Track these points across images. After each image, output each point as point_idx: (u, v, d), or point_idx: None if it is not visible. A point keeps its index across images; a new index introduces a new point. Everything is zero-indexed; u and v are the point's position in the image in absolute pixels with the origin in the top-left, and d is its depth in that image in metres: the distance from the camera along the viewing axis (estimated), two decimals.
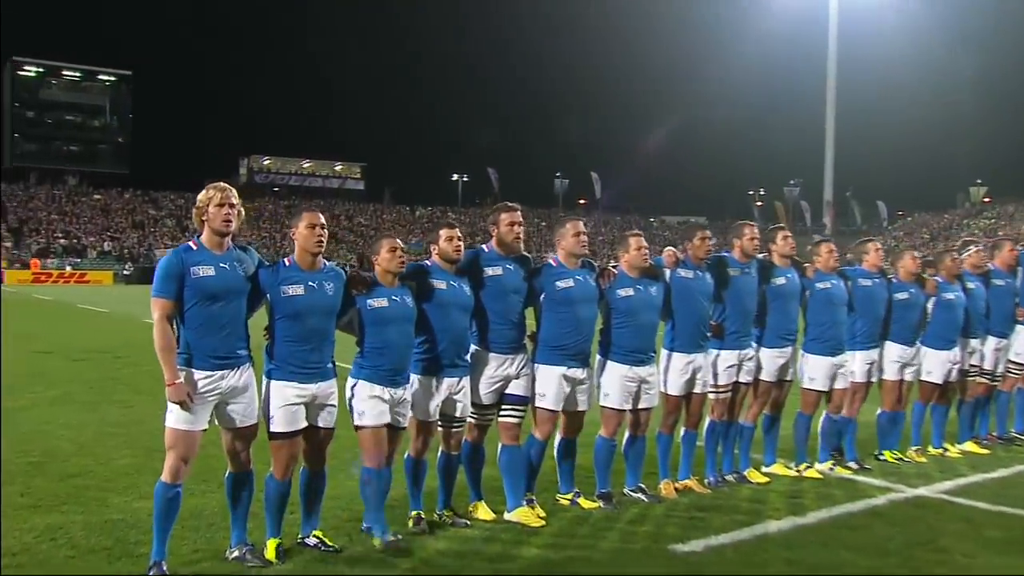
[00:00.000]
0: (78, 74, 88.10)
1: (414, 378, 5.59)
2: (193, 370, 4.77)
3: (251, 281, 4.95)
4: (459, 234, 5.79)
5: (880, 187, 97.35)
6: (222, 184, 4.93)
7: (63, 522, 5.62)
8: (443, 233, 5.74)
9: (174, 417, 4.74)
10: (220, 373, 4.79)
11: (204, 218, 4.86)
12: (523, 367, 6.00)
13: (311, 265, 5.10)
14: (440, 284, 5.64)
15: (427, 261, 5.82)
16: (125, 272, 56.99)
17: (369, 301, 5.28)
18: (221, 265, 4.82)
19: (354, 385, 5.34)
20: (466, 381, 5.75)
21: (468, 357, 5.80)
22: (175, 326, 4.81)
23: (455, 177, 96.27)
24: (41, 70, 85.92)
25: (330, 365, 5.15)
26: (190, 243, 4.91)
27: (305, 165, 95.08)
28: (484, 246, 6.11)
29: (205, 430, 4.83)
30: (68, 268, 55.73)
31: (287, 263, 5.13)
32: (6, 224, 62.07)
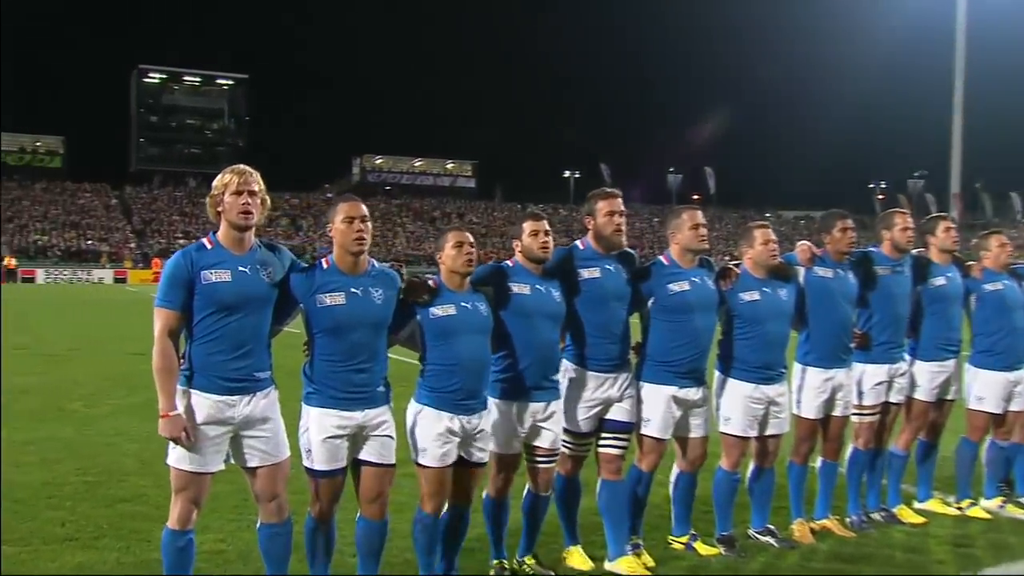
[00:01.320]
0: (198, 79, 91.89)
1: (492, 403, 4.74)
2: (195, 392, 3.97)
3: (279, 288, 4.16)
4: (547, 228, 4.87)
5: (1015, 178, 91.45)
6: (241, 167, 4.11)
7: (95, 560, 5.02)
8: (527, 226, 4.84)
9: (178, 456, 3.96)
10: (232, 399, 3.99)
11: (219, 209, 4.05)
12: (626, 387, 5.09)
13: (353, 267, 4.27)
14: (523, 288, 4.75)
15: (508, 261, 4.94)
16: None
17: (432, 309, 4.45)
18: (240, 268, 4.02)
19: (417, 413, 4.50)
20: (557, 406, 4.86)
21: (559, 377, 4.93)
22: (185, 341, 4.07)
23: (567, 174, 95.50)
24: (164, 76, 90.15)
25: (382, 388, 4.31)
26: (204, 240, 4.11)
27: (417, 164, 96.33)
28: (579, 242, 5.19)
29: (220, 470, 4.08)
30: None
31: (325, 265, 4.29)
32: (131, 225, 64.60)
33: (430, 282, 4.56)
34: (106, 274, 57.32)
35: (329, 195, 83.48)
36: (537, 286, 4.79)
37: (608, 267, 5.03)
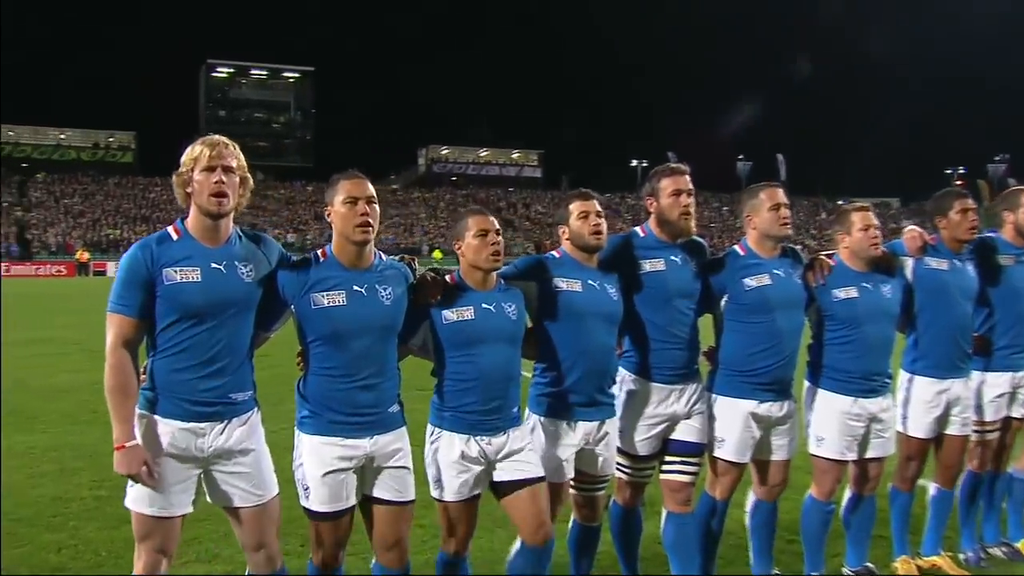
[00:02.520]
0: (265, 73, 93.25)
1: (534, 420, 4.00)
2: (158, 418, 3.30)
3: (263, 287, 3.47)
4: (598, 208, 4.09)
5: None
6: (215, 137, 3.42)
7: None
8: (575, 207, 4.07)
9: (137, 496, 3.30)
10: (202, 427, 3.32)
11: (188, 190, 3.35)
12: (695, 402, 4.31)
13: (357, 260, 3.56)
14: (571, 284, 4.00)
15: (553, 252, 4.18)
16: None
17: (446, 312, 3.73)
18: (213, 265, 3.33)
19: (435, 439, 3.79)
20: (612, 424, 4.12)
21: (615, 390, 4.19)
22: (147, 354, 3.38)
23: (634, 163, 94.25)
24: (232, 70, 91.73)
25: (394, 408, 3.62)
26: (169, 229, 3.40)
27: (482, 154, 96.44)
28: (639, 229, 4.41)
29: (189, 513, 3.39)
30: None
31: (321, 257, 3.59)
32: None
33: (447, 278, 3.83)
34: None
35: (395, 187, 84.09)
36: (589, 281, 4.04)
37: (673, 258, 4.26)
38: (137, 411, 3.27)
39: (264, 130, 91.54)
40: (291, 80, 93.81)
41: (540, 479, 3.77)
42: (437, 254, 59.81)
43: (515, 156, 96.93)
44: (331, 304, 3.46)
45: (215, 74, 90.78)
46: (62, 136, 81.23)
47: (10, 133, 79.29)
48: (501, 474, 3.75)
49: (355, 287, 3.50)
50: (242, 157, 3.41)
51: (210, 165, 3.30)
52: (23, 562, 4.89)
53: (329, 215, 3.54)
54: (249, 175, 3.44)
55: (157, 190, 72.03)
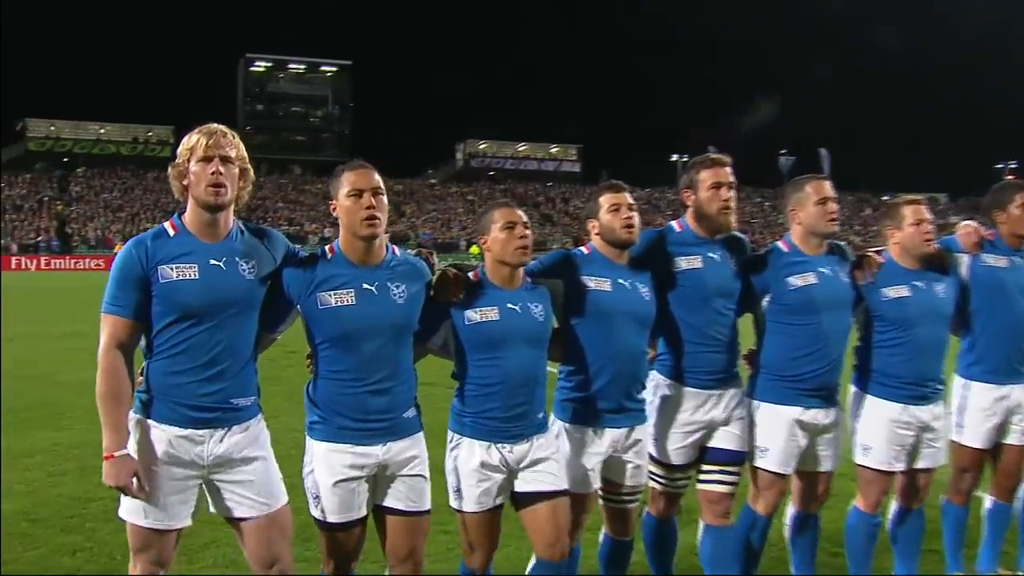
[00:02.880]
0: (302, 66, 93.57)
1: (559, 427, 3.83)
2: (152, 423, 3.18)
3: (267, 285, 3.33)
4: (630, 201, 3.89)
5: None
6: (213, 126, 3.27)
7: None
8: (605, 200, 3.89)
9: (131, 507, 3.18)
10: (200, 434, 3.19)
11: (185, 182, 3.22)
12: (735, 408, 4.11)
13: (366, 256, 3.40)
14: (601, 283, 3.82)
15: (582, 248, 4.00)
16: None
17: (469, 312, 3.56)
18: (212, 262, 3.20)
19: (455, 447, 3.63)
20: (643, 431, 3.94)
21: (647, 395, 4.00)
22: (143, 357, 3.25)
23: (674, 158, 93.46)
24: (269, 65, 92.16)
25: (410, 413, 3.47)
26: (166, 225, 3.28)
27: (520, 148, 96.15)
28: (674, 223, 4.20)
29: (187, 526, 3.26)
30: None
31: (329, 254, 3.44)
32: (239, 213, 66.02)
33: (470, 274, 3.66)
34: None
35: (432, 181, 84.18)
36: (620, 279, 3.85)
37: (712, 255, 4.06)
38: (132, 415, 3.15)
39: (302, 124, 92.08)
40: (329, 74, 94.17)
41: (561, 493, 3.60)
42: (475, 249, 59.69)
43: (554, 150, 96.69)
44: (339, 304, 3.31)
45: (253, 68, 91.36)
46: (102, 131, 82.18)
47: (51, 128, 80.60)
48: (521, 484, 3.60)
49: (365, 285, 3.34)
50: (242, 147, 3.28)
51: (207, 155, 3.17)
52: (38, 564, 4.82)
53: (334, 209, 3.40)
54: (250, 166, 3.31)
55: None
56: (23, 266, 52.48)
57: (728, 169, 4.07)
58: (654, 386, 4.06)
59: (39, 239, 57.95)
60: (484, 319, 3.54)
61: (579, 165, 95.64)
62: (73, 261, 53.91)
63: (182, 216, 3.25)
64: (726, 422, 4.07)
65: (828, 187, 4.12)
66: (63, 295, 27.67)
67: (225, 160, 3.18)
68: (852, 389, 4.34)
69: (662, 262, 4.02)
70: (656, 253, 4.03)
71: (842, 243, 4.33)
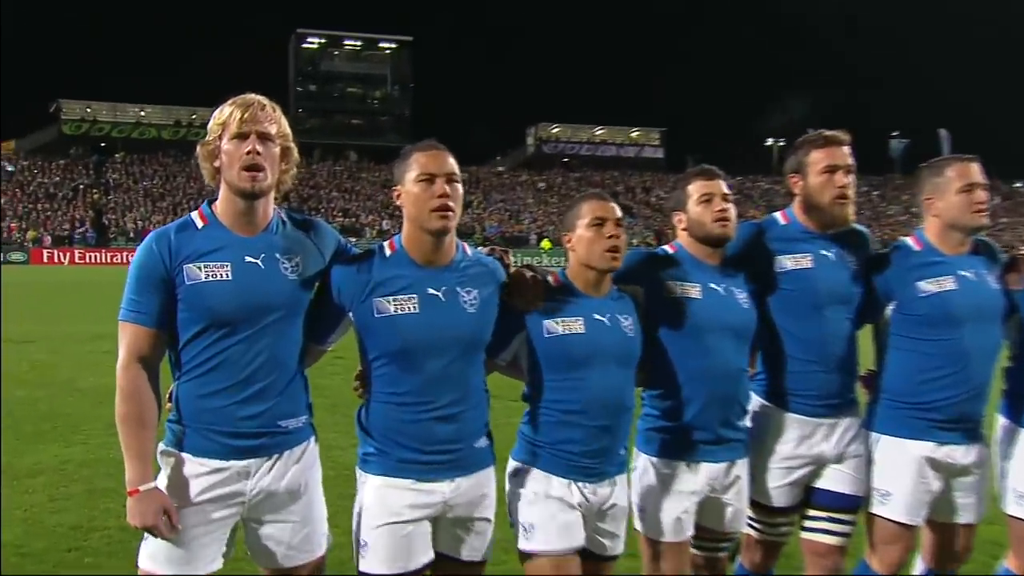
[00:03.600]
0: (359, 43, 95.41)
1: (644, 462, 3.59)
2: (188, 457, 3.02)
3: (314, 287, 3.19)
4: (724, 189, 3.61)
5: None
6: (249, 96, 3.05)
7: None
8: (695, 188, 3.62)
9: (154, 551, 3.00)
10: (244, 464, 3.03)
11: (216, 164, 3.03)
12: (850, 442, 3.78)
13: (433, 254, 3.20)
14: (688, 288, 3.57)
15: (666, 247, 3.74)
16: None
17: (548, 322, 3.34)
18: (248, 259, 3.02)
19: (523, 474, 3.40)
20: (743, 467, 3.65)
21: (747, 422, 3.70)
22: (172, 375, 3.10)
23: (769, 142, 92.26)
24: (323, 41, 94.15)
25: (482, 443, 3.27)
26: (194, 215, 3.11)
27: (598, 132, 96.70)
28: (778, 214, 3.90)
29: (218, 569, 3.08)
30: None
31: (388, 251, 3.23)
32: (288, 202, 67.15)
33: (549, 277, 3.44)
34: None
35: (500, 168, 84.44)
36: (712, 284, 3.59)
37: (825, 252, 3.75)
38: (162, 448, 3.01)
39: (358, 106, 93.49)
40: (387, 51, 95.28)
41: (613, 559, 3.48)
42: (546, 244, 59.77)
43: (634, 135, 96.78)
44: (399, 312, 3.10)
45: (305, 45, 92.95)
46: (142, 113, 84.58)
47: (87, 110, 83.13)
48: (590, 539, 3.38)
49: (430, 290, 3.14)
50: (284, 122, 3.09)
51: (241, 131, 2.96)
52: None
53: (398, 197, 3.18)
54: (294, 145, 3.13)
55: None
56: (56, 259, 54.02)
57: (846, 149, 3.74)
58: (750, 410, 3.78)
59: (74, 230, 59.49)
60: (568, 331, 3.32)
61: (662, 151, 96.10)
62: (110, 255, 55.35)
63: (213, 204, 3.07)
64: (838, 459, 3.76)
65: (976, 171, 3.75)
66: (96, 291, 28.12)
67: (263, 137, 2.98)
68: (1001, 420, 3.95)
69: (763, 262, 3.74)
70: (755, 251, 3.75)
71: (989, 240, 3.92)
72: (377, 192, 73.40)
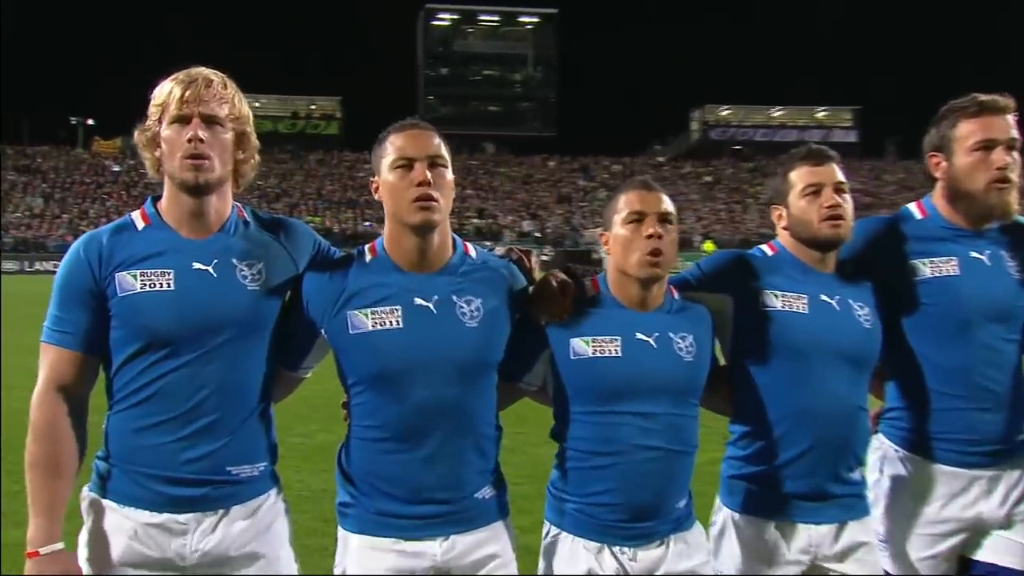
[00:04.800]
0: (496, 18, 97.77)
1: (725, 517, 3.37)
2: (109, 505, 2.89)
3: (281, 299, 3.08)
4: (839, 177, 3.37)
5: None
6: (195, 70, 2.97)
7: None
8: (798, 176, 3.37)
9: None
10: (181, 520, 2.88)
11: (157, 153, 2.96)
12: (1019, 499, 3.49)
13: (419, 257, 3.07)
14: (790, 300, 3.34)
15: (763, 247, 3.52)
16: (544, 257, 59.62)
17: (576, 342, 3.17)
18: (196, 265, 2.93)
19: (551, 541, 3.21)
20: (864, 530, 3.37)
21: (869, 473, 3.48)
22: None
23: None
24: (456, 17, 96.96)
25: (485, 493, 3.10)
26: (134, 215, 3.04)
27: (775, 114, 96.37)
28: (913, 206, 3.65)
29: None
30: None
31: (369, 254, 3.13)
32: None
33: (586, 282, 3.28)
34: None
35: (660, 159, 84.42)
36: (822, 295, 3.34)
37: (976, 255, 3.48)
38: (84, 492, 2.90)
39: (495, 91, 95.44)
40: (529, 27, 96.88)
41: None
42: (708, 246, 59.08)
43: (820, 115, 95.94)
44: (379, 327, 2.97)
45: (436, 22, 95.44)
46: (256, 104, 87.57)
47: None
48: None
49: (418, 300, 2.99)
50: (240, 101, 2.99)
51: (181, 113, 2.87)
52: None
53: (376, 190, 3.06)
54: (248, 128, 3.00)
55: (367, 168, 76.32)
56: None
57: (1008, 118, 3.44)
58: (880, 458, 3.56)
59: None
60: (598, 353, 3.12)
61: (855, 133, 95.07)
62: None
63: (157, 202, 2.99)
64: (1005, 523, 3.48)
65: None
66: None
67: (209, 121, 2.88)
68: None
69: (893, 268, 3.48)
70: (884, 254, 3.51)
71: None
72: (517, 189, 74.54)
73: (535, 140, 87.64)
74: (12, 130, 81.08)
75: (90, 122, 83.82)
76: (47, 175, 71.36)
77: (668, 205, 3.20)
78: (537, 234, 64.50)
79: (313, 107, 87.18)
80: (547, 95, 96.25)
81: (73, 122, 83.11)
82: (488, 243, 59.73)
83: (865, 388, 3.40)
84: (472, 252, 3.14)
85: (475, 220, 67.46)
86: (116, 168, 71.68)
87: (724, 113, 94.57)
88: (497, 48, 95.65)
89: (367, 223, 66.33)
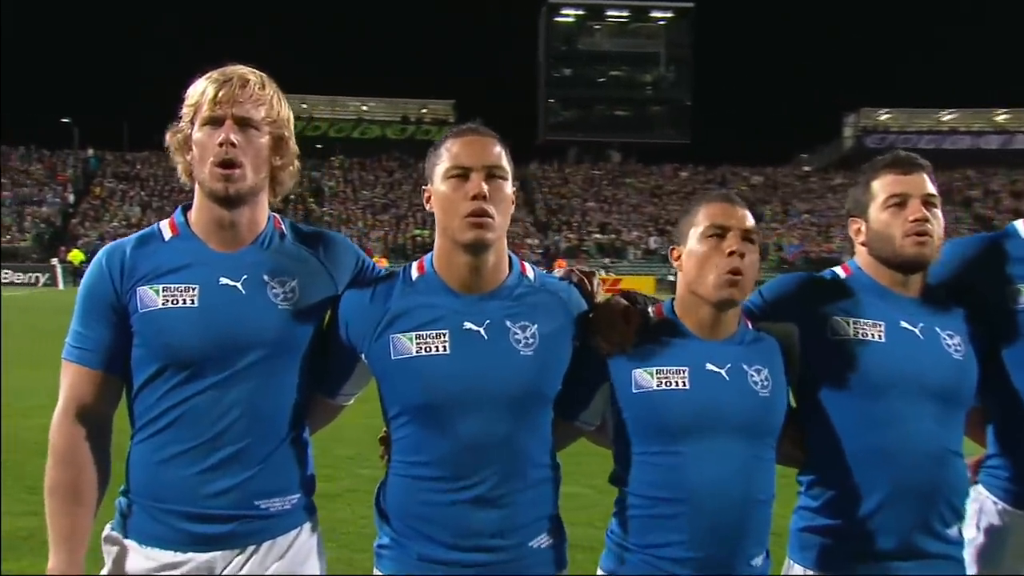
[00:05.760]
0: (625, 13, 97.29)
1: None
2: (133, 546, 2.93)
3: (318, 320, 3.10)
4: (929, 188, 3.27)
5: None
6: (230, 69, 2.98)
7: None
8: (881, 185, 3.30)
9: None
10: (204, 559, 2.92)
11: (189, 157, 2.98)
12: None
13: (471, 277, 3.06)
14: (866, 328, 3.26)
15: (837, 269, 3.46)
16: (671, 277, 59.19)
17: (638, 373, 3.12)
18: (224, 281, 2.96)
19: None
20: None
21: (967, 529, 3.38)
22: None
23: None
24: (581, 13, 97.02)
25: (541, 542, 3.08)
26: (161, 224, 3.08)
27: (945, 118, 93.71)
28: (1019, 223, 3.57)
29: None
30: (601, 272, 59.38)
31: (416, 272, 3.10)
32: (533, 215, 68.70)
33: (651, 310, 3.22)
34: None
35: (807, 168, 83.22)
36: (904, 322, 3.26)
37: None
38: (106, 532, 2.96)
39: (624, 94, 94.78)
40: (661, 22, 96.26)
41: None
42: None
43: (1000, 118, 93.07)
44: (424, 352, 2.97)
45: (559, 19, 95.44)
46: (364, 108, 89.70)
47: (302, 105, 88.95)
48: None
49: (468, 324, 2.98)
50: (279, 103, 3.01)
51: (214, 115, 2.90)
52: None
53: (428, 200, 3.06)
54: (288, 132, 3.04)
55: None
56: None
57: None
58: (977, 511, 3.48)
59: None
60: (663, 386, 3.09)
61: None
62: None
63: (188, 211, 3.05)
64: None
65: None
66: None
67: (244, 123, 2.90)
68: None
69: (993, 292, 3.40)
70: (982, 277, 3.43)
71: None
72: (645, 202, 74.16)
73: (666, 148, 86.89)
74: (112, 136, 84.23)
75: None
76: (146, 182, 73.60)
77: (752, 222, 3.15)
78: (665, 252, 64.14)
79: (424, 111, 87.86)
80: (680, 98, 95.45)
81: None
82: (607, 260, 59.47)
83: (958, 429, 3.30)
84: (530, 273, 3.13)
85: (597, 235, 67.33)
86: None
87: (883, 117, 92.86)
88: (626, 46, 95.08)
89: None
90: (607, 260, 62.16)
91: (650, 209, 72.85)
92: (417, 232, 67.39)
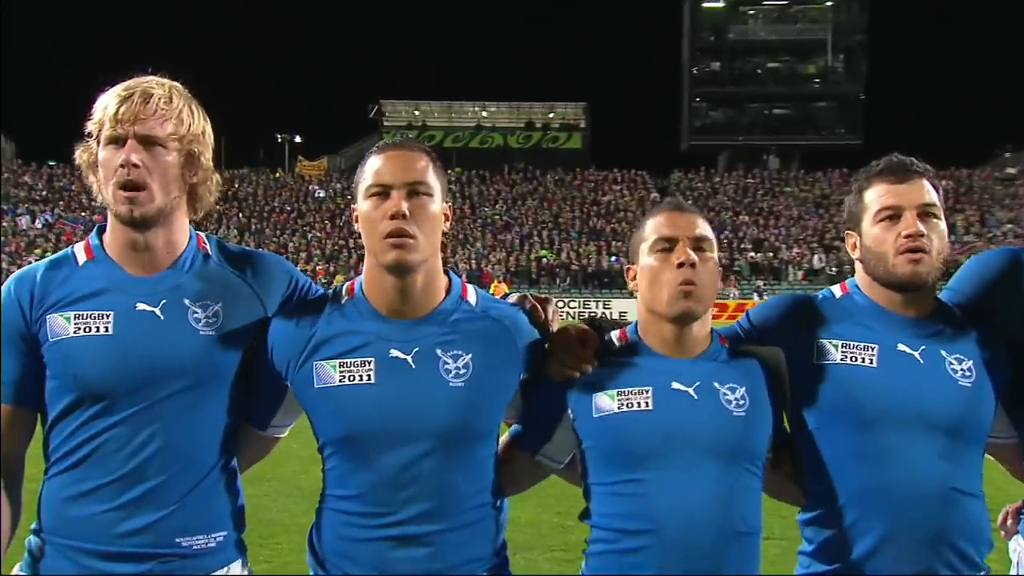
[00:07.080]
0: None
1: None
2: None
3: (244, 346, 3.24)
4: (929, 198, 3.37)
5: None
6: (134, 82, 3.13)
7: None
8: (873, 195, 3.42)
9: None
10: None
11: (97, 178, 3.14)
12: None
13: (400, 301, 3.22)
14: (856, 352, 3.38)
15: (835, 288, 3.59)
16: None
17: (599, 397, 3.27)
18: (140, 306, 3.10)
19: None
20: None
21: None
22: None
23: None
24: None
25: None
26: (77, 247, 3.25)
27: None
28: None
29: None
30: (755, 297, 58.30)
31: (345, 295, 3.30)
32: None
33: (613, 335, 3.40)
34: (631, 305, 60.54)
35: (1010, 170, 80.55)
36: (902, 345, 3.37)
37: None
38: (16, 571, 3.15)
39: (783, 89, 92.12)
40: (828, 3, 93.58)
41: None
42: None
43: None
44: (347, 381, 3.13)
45: (707, 5, 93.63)
46: (483, 113, 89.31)
47: (415, 112, 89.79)
48: None
49: (395, 352, 3.16)
50: (190, 115, 3.17)
51: (115, 134, 3.05)
52: None
53: (356, 220, 3.27)
54: (200, 146, 3.20)
55: (616, 190, 76.38)
56: None
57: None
58: (1016, 564, 3.59)
59: None
60: (625, 407, 3.25)
61: None
62: None
63: (103, 233, 3.21)
64: None
65: None
66: None
67: (148, 141, 3.05)
68: None
69: (1008, 310, 3.42)
70: (1001, 296, 3.47)
71: None
72: (808, 214, 72.76)
73: (834, 150, 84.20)
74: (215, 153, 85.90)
75: (297, 139, 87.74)
76: (244, 201, 74.47)
77: (704, 229, 3.29)
78: (831, 271, 62.75)
79: (552, 115, 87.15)
80: (852, 92, 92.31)
81: (278, 139, 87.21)
82: (761, 282, 58.33)
83: (971, 466, 3.35)
84: (472, 297, 3.28)
85: (751, 254, 66.34)
86: (320, 193, 74.02)
87: None
88: (786, 34, 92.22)
89: (613, 257, 66.19)
90: (760, 282, 60.92)
91: (814, 222, 71.36)
92: (544, 254, 67.17)
